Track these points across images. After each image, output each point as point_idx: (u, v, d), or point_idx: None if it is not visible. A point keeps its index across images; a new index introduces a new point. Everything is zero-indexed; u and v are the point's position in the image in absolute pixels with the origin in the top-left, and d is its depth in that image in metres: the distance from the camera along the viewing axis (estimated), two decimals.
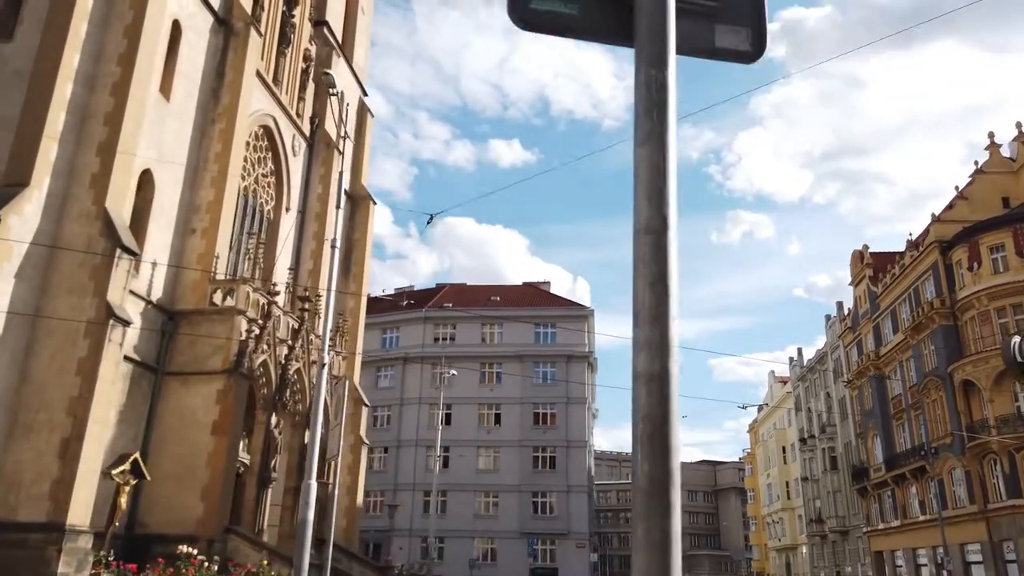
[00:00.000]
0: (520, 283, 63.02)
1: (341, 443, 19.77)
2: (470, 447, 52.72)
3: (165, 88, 21.01)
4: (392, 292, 63.44)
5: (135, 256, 17.24)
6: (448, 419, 53.59)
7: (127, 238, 16.93)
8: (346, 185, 33.97)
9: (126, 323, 16.54)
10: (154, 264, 20.10)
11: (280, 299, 24.24)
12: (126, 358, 18.81)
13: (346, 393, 25.63)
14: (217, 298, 20.94)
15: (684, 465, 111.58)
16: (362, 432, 31.30)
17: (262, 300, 21.86)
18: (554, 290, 62.13)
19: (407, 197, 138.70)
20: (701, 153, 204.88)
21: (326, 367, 14.62)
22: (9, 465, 15.16)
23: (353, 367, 32.07)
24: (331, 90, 15.56)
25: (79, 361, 15.73)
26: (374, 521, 51.22)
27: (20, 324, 15.69)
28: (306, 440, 23.92)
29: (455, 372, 46.84)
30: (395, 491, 52.13)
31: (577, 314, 55.65)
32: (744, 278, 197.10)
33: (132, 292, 19.12)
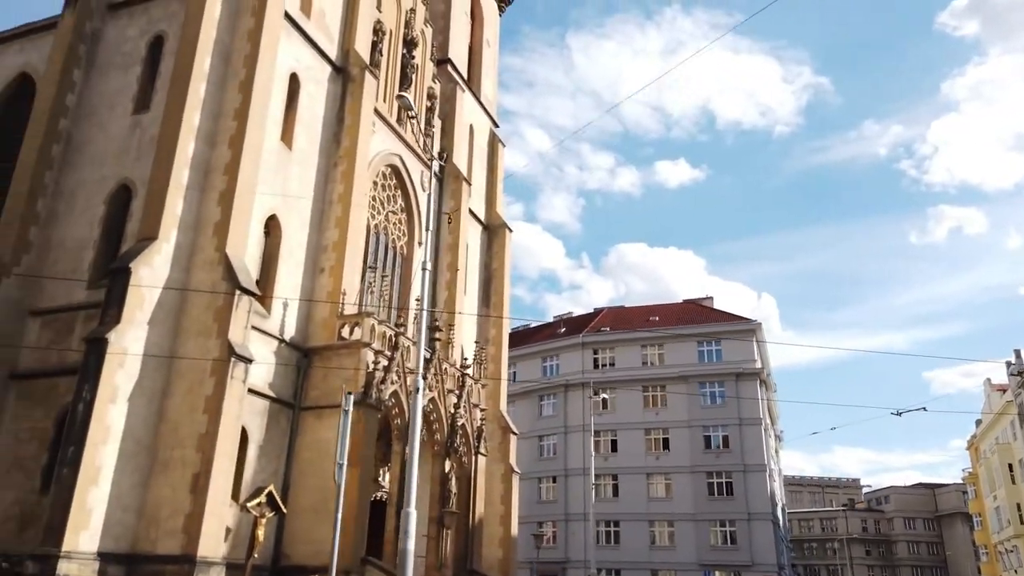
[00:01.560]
0: (680, 301, 60.44)
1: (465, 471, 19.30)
2: (639, 474, 50.76)
3: (287, 137, 22.16)
4: (550, 320, 63.26)
5: (254, 296, 18.00)
6: (614, 446, 52.15)
7: (245, 280, 17.76)
8: (481, 215, 34.50)
9: (247, 360, 17.24)
10: (285, 304, 21.01)
11: (412, 330, 24.52)
12: (263, 395, 19.72)
13: (476, 419, 25.38)
14: (345, 332, 21.47)
15: (896, 489, 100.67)
16: (512, 461, 30.85)
17: (389, 332, 22.16)
18: (738, 308, 59.36)
19: (577, 228, 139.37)
20: (890, 149, 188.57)
21: (420, 392, 14.20)
22: (150, 501, 16.15)
23: (499, 395, 31.88)
24: (409, 113, 15.37)
25: (206, 399, 16.56)
26: (548, 552, 50.51)
27: (156, 367, 16.83)
28: (446, 469, 23.86)
29: (607, 395, 45.39)
30: (566, 521, 51.21)
31: (742, 328, 52.26)
32: (954, 279, 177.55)
33: (264, 332, 20.11)
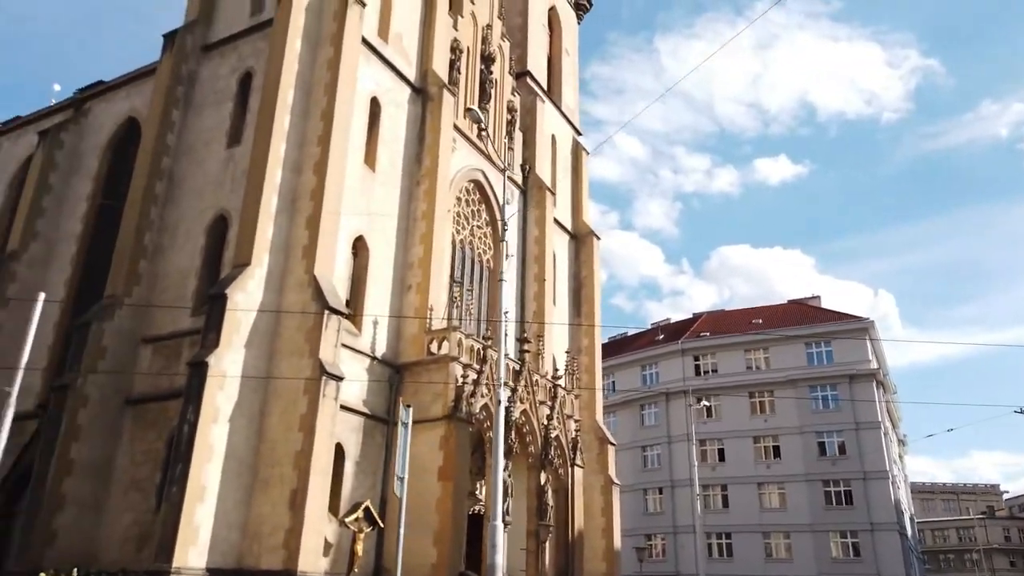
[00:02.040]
0: (785, 301, 57.98)
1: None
2: (749, 484, 48.79)
3: (370, 159, 22.73)
4: (647, 327, 62.01)
5: (342, 316, 18.44)
6: (721, 455, 50.43)
7: (333, 300, 18.24)
8: (567, 224, 34.26)
9: (338, 378, 17.65)
10: (375, 321, 21.46)
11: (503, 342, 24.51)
12: (357, 412, 20.16)
13: (571, 430, 24.99)
14: (433, 348, 21.69)
15: None
16: (611, 472, 30.25)
17: (477, 345, 22.23)
18: (853, 307, 56.31)
19: (675, 233, 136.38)
20: (1011, 129, 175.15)
21: (502, 404, 14.08)
22: (252, 517, 16.74)
23: (595, 405, 31.40)
24: (480, 125, 15.37)
25: (301, 417, 17.06)
26: (658, 566, 49.32)
27: (253, 388, 17.49)
28: (542, 481, 23.63)
29: (711, 403, 43.92)
30: (675, 534, 49.83)
31: (853, 327, 49.51)
32: None
33: (356, 350, 20.58)
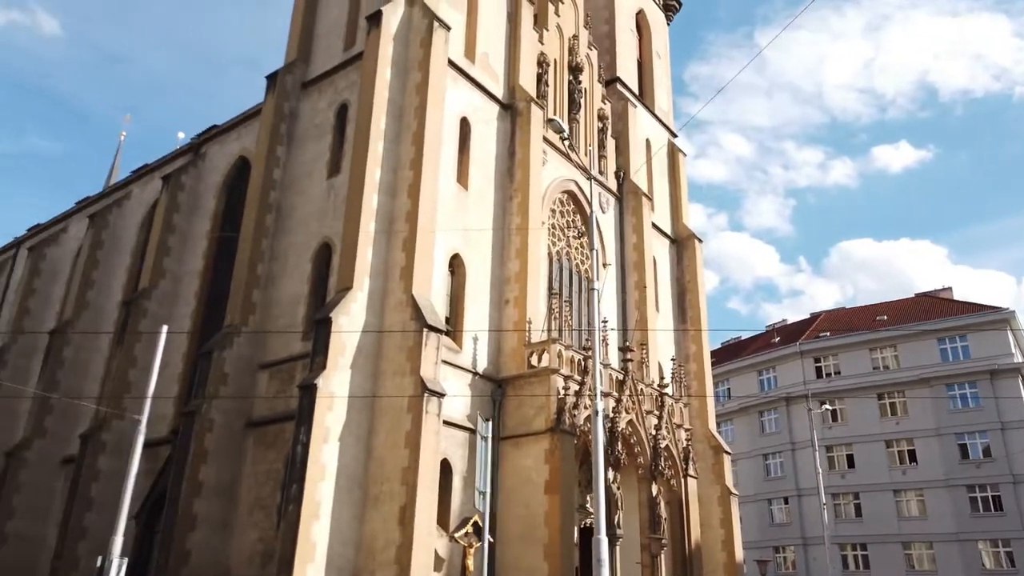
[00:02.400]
0: (912, 295, 54.31)
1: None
2: (883, 491, 45.80)
3: (462, 178, 23.13)
4: (762, 330, 59.63)
5: (440, 333, 18.76)
6: (850, 461, 47.68)
7: (431, 317, 18.60)
8: (667, 228, 33.58)
9: (440, 395, 17.95)
10: (475, 337, 21.72)
11: (602, 353, 24.23)
12: (462, 427, 20.42)
13: (681, 439, 24.26)
14: (533, 360, 21.71)
15: None
16: (728, 482, 29.20)
17: (577, 357, 22.06)
18: (992, 297, 52.14)
19: (789, 231, 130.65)
20: None
21: (600, 414, 13.84)
22: (366, 533, 17.24)
23: (706, 413, 30.47)
24: (561, 135, 15.29)
25: (406, 434, 17.45)
26: None
27: (360, 407, 18.06)
28: (653, 493, 23.13)
29: (834, 406, 41.62)
30: (804, 546, 47.41)
31: (991, 319, 45.72)
32: None
33: (458, 366, 20.89)
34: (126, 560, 14.23)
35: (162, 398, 23.46)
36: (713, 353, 60.55)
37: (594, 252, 16.23)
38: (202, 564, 18.53)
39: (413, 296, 18.78)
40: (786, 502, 49.04)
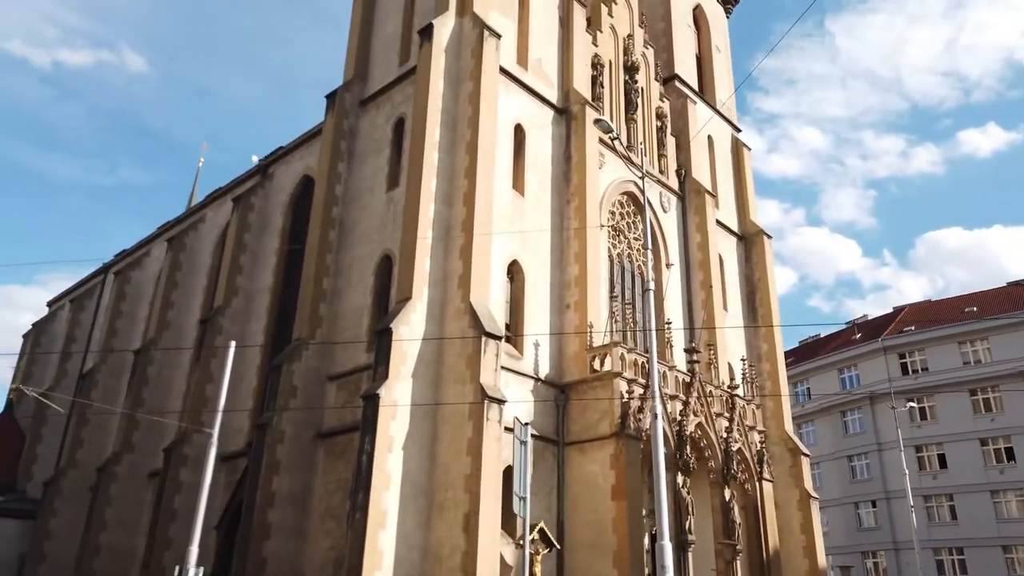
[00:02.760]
0: (1004, 284, 51.31)
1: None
2: (980, 492, 43.33)
3: (518, 184, 23.16)
4: (842, 325, 57.36)
5: (498, 339, 18.77)
6: (942, 461, 45.33)
7: (489, 324, 18.64)
8: (733, 225, 32.77)
9: (500, 401, 17.95)
10: (535, 343, 21.66)
11: (668, 355, 23.82)
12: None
13: (755, 442, 23.49)
14: (596, 365, 21.49)
15: None
16: (807, 485, 28.14)
17: (640, 359, 21.72)
18: None
19: (871, 224, 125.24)
20: None
21: (659, 418, 13.55)
22: (432, 540, 17.37)
23: (782, 414, 29.50)
24: (610, 134, 15.11)
25: (468, 441, 17.51)
26: None
27: (423, 416, 18.24)
28: (726, 498, 22.55)
29: (917, 404, 39.64)
30: (895, 551, 45.27)
31: None
32: None
33: (519, 372, 20.87)
34: (202, 569, 14.74)
35: (238, 411, 24.41)
36: (791, 352, 58.96)
37: (647, 251, 15.84)
38: (278, 572, 19.05)
39: (471, 304, 18.88)
40: (874, 505, 46.95)
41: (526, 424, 12.47)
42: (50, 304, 44.47)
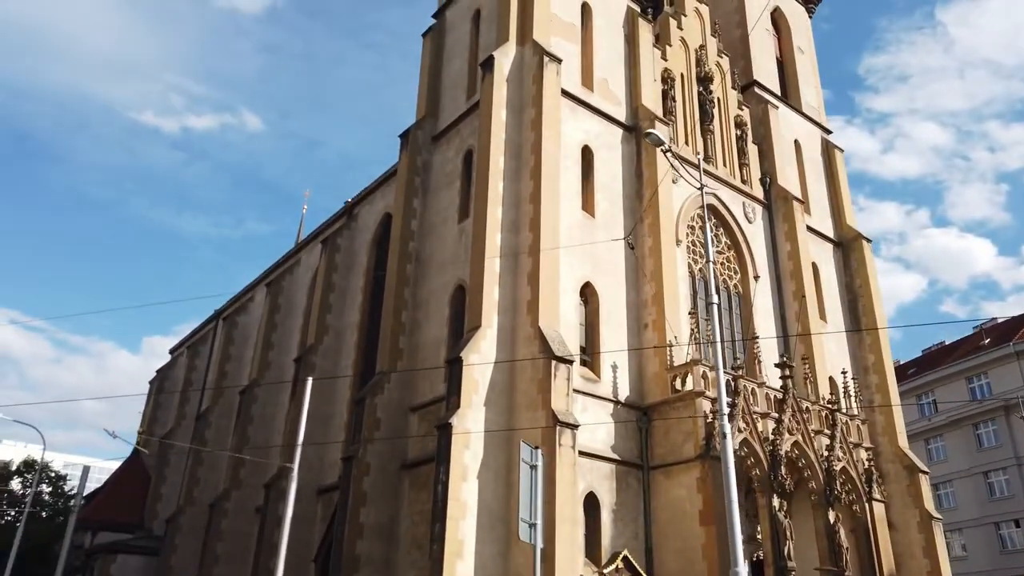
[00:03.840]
0: None
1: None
2: None
3: (588, 206, 22.96)
4: (974, 329, 52.95)
5: (568, 363, 18.48)
6: None
7: (559, 348, 18.41)
8: (828, 231, 31.17)
9: (572, 426, 17.62)
10: (613, 365, 21.21)
11: (756, 370, 22.76)
12: (607, 458, 19.90)
13: (862, 459, 21.88)
14: (678, 384, 20.78)
15: None
16: (928, 505, 25.95)
17: (726, 377, 20.81)
18: None
19: (1006, 220, 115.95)
20: None
21: (728, 437, 12.89)
22: (511, 570, 17.14)
23: (894, 429, 27.47)
24: (661, 148, 14.72)
25: (542, 469, 17.21)
26: None
27: (497, 443, 18.16)
28: (831, 520, 21.19)
29: None
30: None
31: None
32: None
33: (598, 396, 20.49)
34: None
35: (331, 444, 25.20)
36: (913, 363, 55.16)
37: (708, 263, 15.21)
38: None
39: (540, 328, 18.75)
40: (1017, 525, 42.68)
41: (536, 448, 12.08)
42: (172, 351, 47.71)
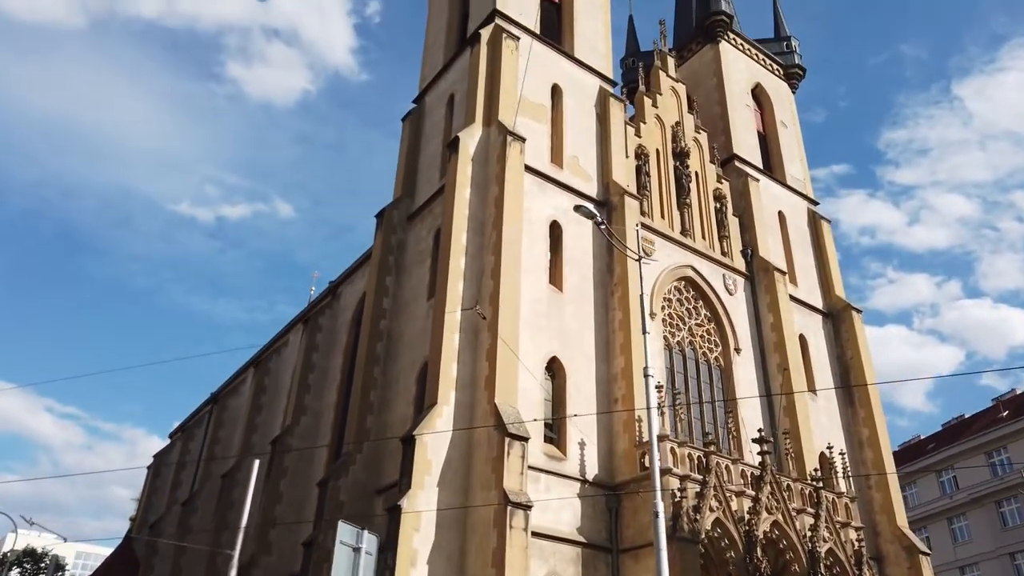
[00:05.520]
0: None
1: None
2: None
3: (556, 280, 22.83)
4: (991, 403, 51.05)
5: (523, 440, 17.95)
6: None
7: (513, 426, 17.94)
8: (818, 303, 30.61)
9: (523, 507, 16.95)
10: (580, 443, 20.60)
11: (732, 447, 21.98)
12: (572, 541, 19.05)
13: (851, 540, 20.71)
14: (646, 462, 20.04)
15: None
16: None
17: (696, 454, 20.11)
18: None
19: None
20: None
21: (660, 516, 12.25)
22: None
23: (891, 507, 26.15)
24: (595, 219, 14.66)
25: (492, 552, 16.54)
26: None
27: (450, 526, 17.50)
28: None
29: None
30: None
31: None
32: None
33: (563, 475, 19.81)
34: None
35: (304, 528, 24.51)
36: (933, 437, 53.11)
37: (644, 335, 14.82)
38: None
39: (496, 405, 18.34)
40: None
41: (362, 528, 11.34)
42: (171, 435, 47.53)
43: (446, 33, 29.78)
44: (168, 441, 46.93)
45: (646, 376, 14.02)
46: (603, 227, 15.83)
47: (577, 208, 15.10)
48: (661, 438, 19.74)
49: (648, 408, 13.31)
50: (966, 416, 52.39)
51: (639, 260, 15.42)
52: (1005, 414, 45.86)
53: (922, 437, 55.51)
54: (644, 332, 14.76)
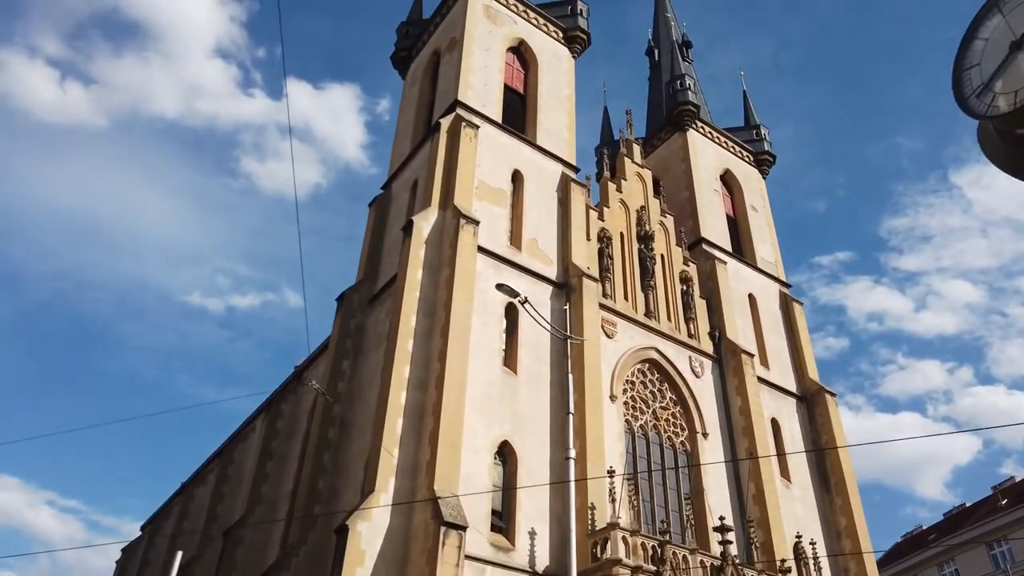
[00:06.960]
0: None
1: None
2: None
3: (511, 363, 22.47)
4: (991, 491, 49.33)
5: (459, 529, 17.18)
6: None
7: (450, 514, 17.21)
8: (791, 386, 30.04)
9: None
10: (531, 532, 19.75)
11: (688, 537, 21.02)
12: None
13: None
14: (598, 552, 19.16)
15: None
16: None
17: (650, 543, 19.21)
18: None
19: None
20: None
21: None
22: None
23: None
24: (517, 299, 14.49)
25: None
26: None
27: None
28: None
29: None
30: None
31: None
32: None
33: (511, 567, 18.92)
34: None
35: None
36: (935, 527, 51.08)
37: (569, 417, 14.37)
38: None
39: (434, 492, 17.66)
40: None
41: None
42: (143, 527, 46.05)
43: (414, 123, 30.53)
44: (140, 533, 45.45)
45: (567, 458, 13.47)
46: (527, 306, 15.58)
47: (499, 287, 14.96)
48: (612, 526, 18.94)
49: (567, 496, 12.70)
50: (967, 505, 50.62)
51: (566, 340, 15.12)
52: (1004, 503, 44.22)
53: (924, 527, 53.54)
54: (568, 412, 14.28)
